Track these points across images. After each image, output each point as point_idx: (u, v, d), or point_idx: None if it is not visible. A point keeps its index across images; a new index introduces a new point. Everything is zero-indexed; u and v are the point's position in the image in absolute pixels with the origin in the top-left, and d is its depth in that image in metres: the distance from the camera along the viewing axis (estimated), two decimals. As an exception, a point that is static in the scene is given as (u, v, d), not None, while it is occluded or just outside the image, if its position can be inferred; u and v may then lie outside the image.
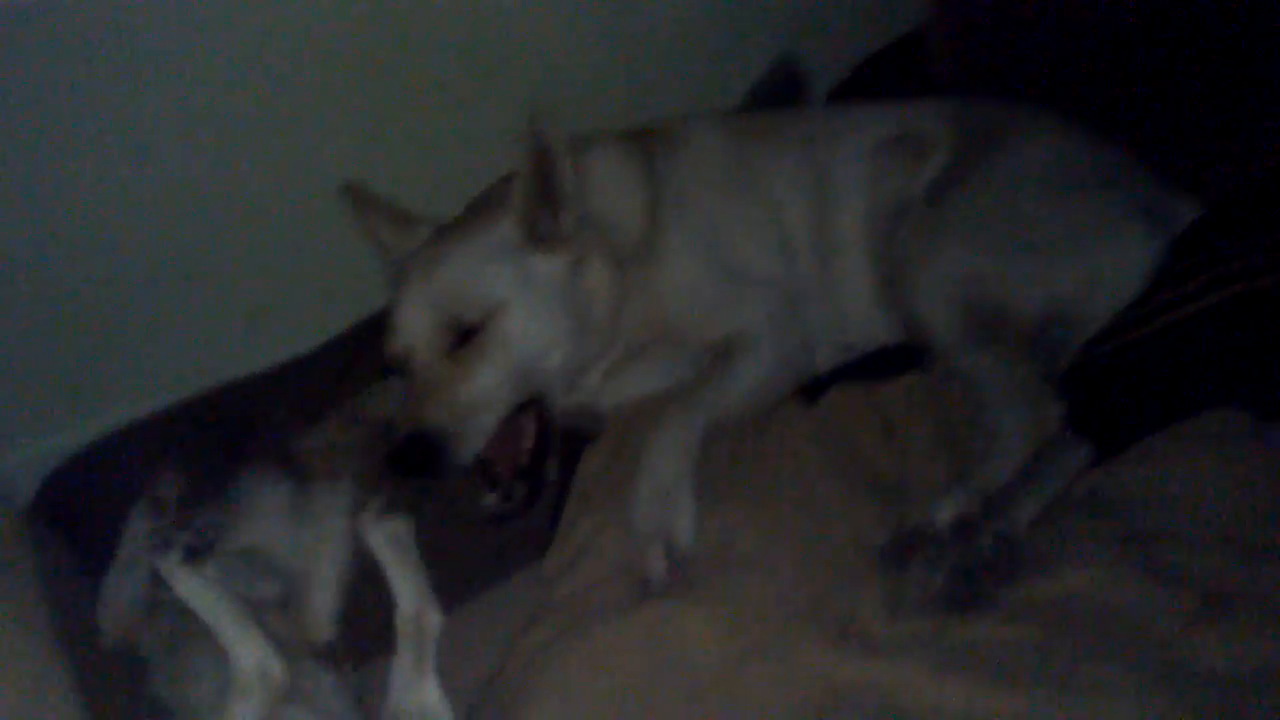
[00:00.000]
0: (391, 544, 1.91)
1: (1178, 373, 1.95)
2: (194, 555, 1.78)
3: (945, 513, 1.79)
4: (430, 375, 1.95)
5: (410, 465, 1.90)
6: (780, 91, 2.72)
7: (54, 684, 1.41)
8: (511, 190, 2.02)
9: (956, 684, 1.57)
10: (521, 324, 1.98)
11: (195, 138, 2.26)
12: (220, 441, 2.17)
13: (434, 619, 1.85)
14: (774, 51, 2.80)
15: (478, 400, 1.94)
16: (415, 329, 1.98)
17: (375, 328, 2.42)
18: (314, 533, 1.94)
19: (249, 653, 1.69)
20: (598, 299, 2.08)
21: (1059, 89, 2.50)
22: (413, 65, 2.41)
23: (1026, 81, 2.58)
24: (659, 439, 1.94)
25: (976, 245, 2.05)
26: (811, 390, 2.13)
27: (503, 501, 1.96)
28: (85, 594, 2.01)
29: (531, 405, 2.01)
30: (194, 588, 1.75)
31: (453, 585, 1.95)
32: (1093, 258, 2.03)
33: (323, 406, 2.21)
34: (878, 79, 2.78)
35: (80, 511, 2.17)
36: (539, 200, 2.00)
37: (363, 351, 2.41)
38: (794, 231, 2.23)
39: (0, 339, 2.26)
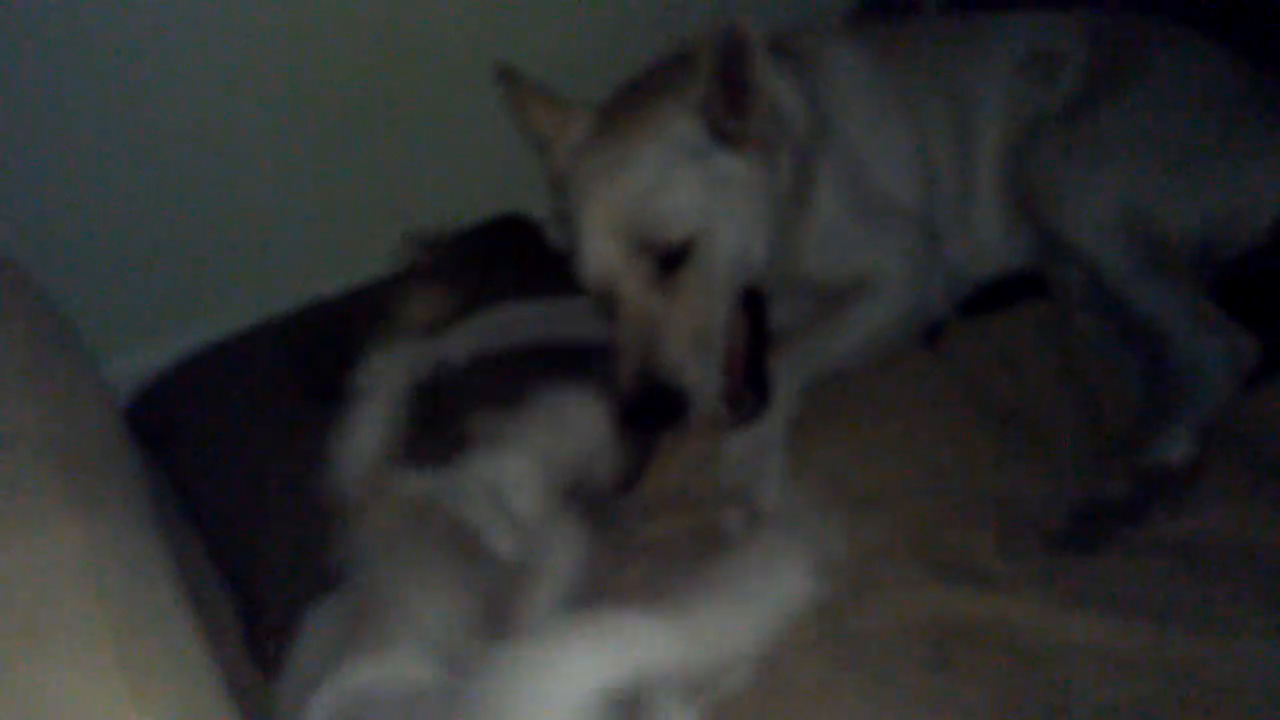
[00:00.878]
0: None
1: None
2: None
3: (1176, 451, 1.75)
4: (645, 313, 1.80)
5: (653, 419, 1.79)
6: (895, 3, 2.63)
7: (180, 608, 1.40)
8: (687, 84, 1.84)
9: (1079, 619, 1.57)
10: (730, 240, 1.83)
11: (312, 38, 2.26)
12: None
13: None
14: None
15: (708, 336, 1.81)
16: (613, 259, 1.81)
17: (475, 240, 2.46)
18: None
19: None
20: (786, 191, 1.95)
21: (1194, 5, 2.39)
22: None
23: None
24: None
25: (1131, 167, 1.99)
26: (929, 332, 2.10)
27: (734, 414, 1.84)
28: (177, 502, 2.07)
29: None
30: None
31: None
32: (1247, 173, 1.99)
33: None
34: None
35: (172, 426, 2.20)
36: (725, 96, 1.82)
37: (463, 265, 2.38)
38: (939, 159, 2.16)
39: (100, 250, 2.28)
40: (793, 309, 2.06)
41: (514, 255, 2.44)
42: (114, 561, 1.30)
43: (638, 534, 1.83)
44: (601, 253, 1.82)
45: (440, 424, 1.98)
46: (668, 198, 1.81)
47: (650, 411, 1.77)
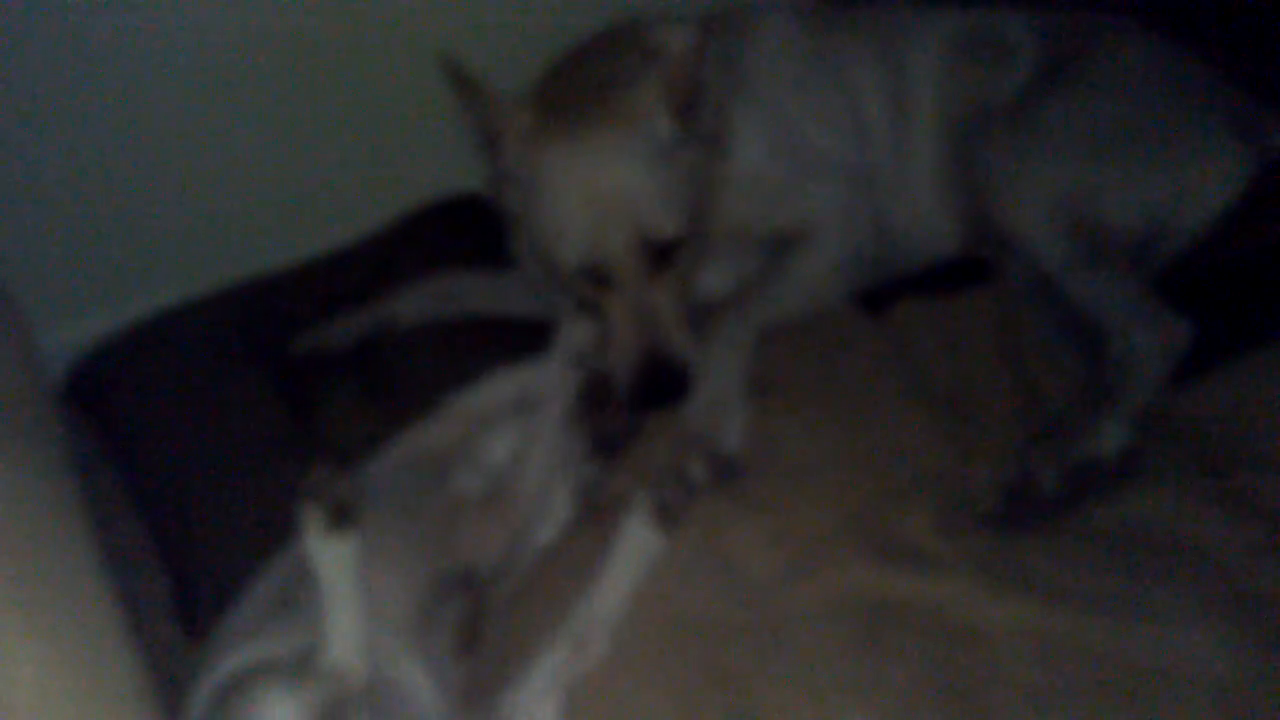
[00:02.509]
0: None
1: (1268, 292, 1.97)
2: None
3: (1109, 443, 1.79)
4: (644, 300, 1.91)
5: (663, 397, 1.90)
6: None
7: (88, 568, 1.41)
8: (645, 80, 1.92)
9: (1008, 601, 1.60)
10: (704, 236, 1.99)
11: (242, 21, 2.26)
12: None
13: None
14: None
15: (686, 317, 1.95)
16: (611, 249, 1.88)
17: (414, 223, 2.52)
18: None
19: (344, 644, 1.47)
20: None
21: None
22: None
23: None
24: (713, 343, 1.95)
25: (1073, 158, 2.04)
26: (876, 302, 2.14)
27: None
28: (112, 479, 2.07)
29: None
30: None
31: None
32: (1188, 168, 2.03)
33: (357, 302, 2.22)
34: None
35: (110, 397, 2.21)
36: (684, 96, 1.91)
37: (402, 246, 2.44)
38: (871, 119, 2.22)
39: (38, 222, 2.28)
40: (738, 269, 2.13)
41: (466, 234, 2.47)
42: (18, 518, 1.30)
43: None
44: (598, 242, 1.88)
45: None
46: (662, 195, 1.89)
47: (660, 390, 1.90)
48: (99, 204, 2.31)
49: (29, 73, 2.14)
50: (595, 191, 1.87)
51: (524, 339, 2.07)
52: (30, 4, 2.07)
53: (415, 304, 2.25)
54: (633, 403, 1.90)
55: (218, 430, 2.08)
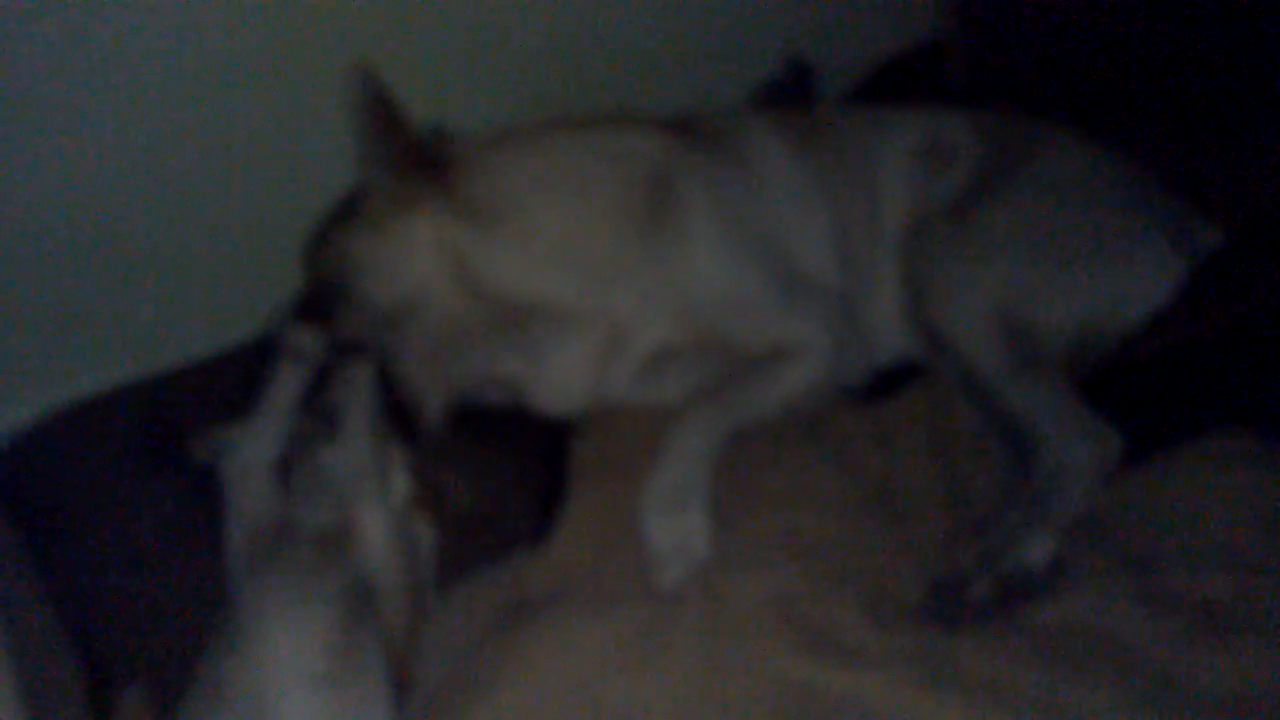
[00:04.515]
0: None
1: (1187, 390, 2.02)
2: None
3: (1038, 553, 1.80)
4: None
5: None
6: (789, 91, 2.75)
7: None
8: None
9: (937, 696, 1.60)
10: None
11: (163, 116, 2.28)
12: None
13: None
14: (782, 51, 2.84)
15: None
16: None
17: None
18: None
19: None
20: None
21: (1076, 102, 2.57)
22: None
23: (1043, 94, 2.65)
24: (681, 440, 1.96)
25: (1007, 263, 2.09)
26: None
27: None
28: (28, 572, 2.04)
29: None
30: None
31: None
32: (1122, 273, 2.09)
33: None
34: (893, 86, 2.83)
35: (32, 484, 2.18)
36: None
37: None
38: (854, 236, 2.25)
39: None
40: (701, 375, 2.14)
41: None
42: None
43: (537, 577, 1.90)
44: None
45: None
46: None
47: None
48: (21, 285, 2.31)
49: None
50: None
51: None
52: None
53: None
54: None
55: (134, 521, 2.06)
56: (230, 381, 2.31)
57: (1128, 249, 2.11)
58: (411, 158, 2.01)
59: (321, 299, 2.05)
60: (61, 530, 2.09)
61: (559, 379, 2.11)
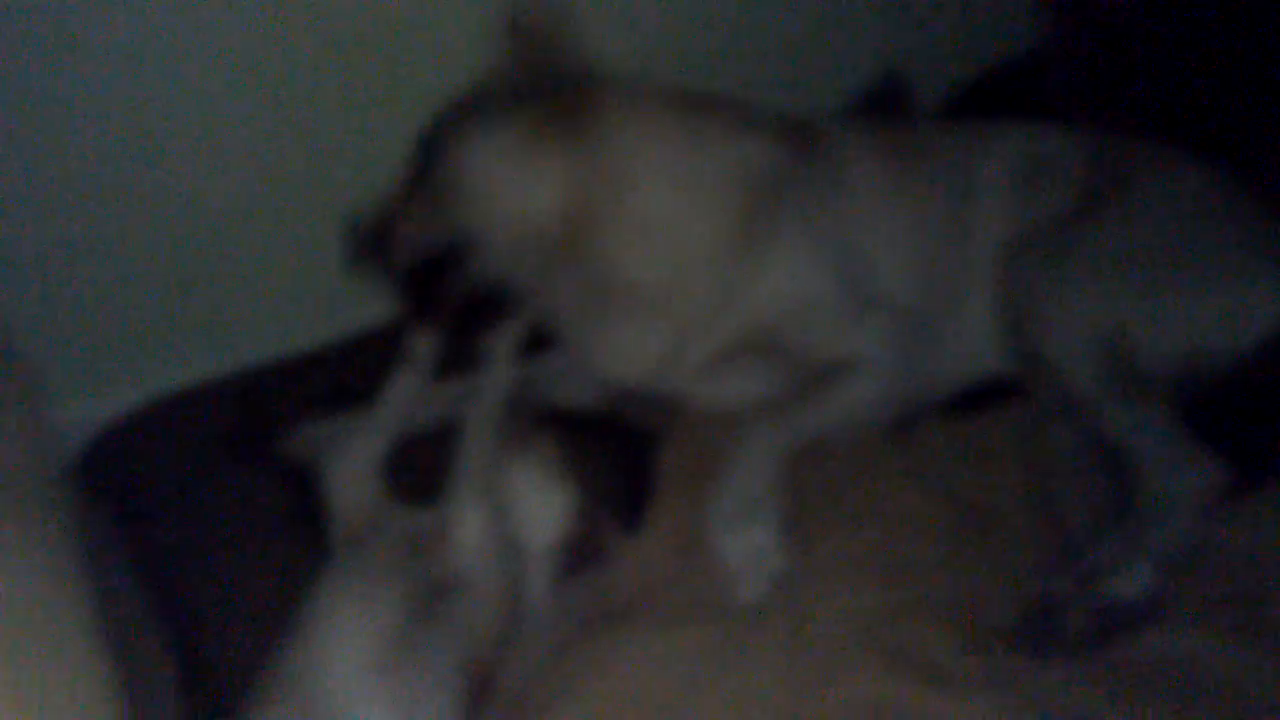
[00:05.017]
0: None
1: None
2: None
3: (1136, 585, 1.77)
4: None
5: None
6: (885, 103, 2.72)
7: (86, 652, 1.43)
8: None
9: None
10: None
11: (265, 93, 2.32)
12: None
13: None
14: (879, 61, 2.82)
15: None
16: None
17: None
18: None
19: None
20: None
21: (1185, 120, 2.51)
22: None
23: (1149, 111, 2.59)
24: (743, 454, 1.95)
25: (1113, 291, 2.04)
26: (899, 421, 2.14)
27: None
28: (122, 556, 2.09)
29: None
30: None
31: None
32: (1230, 299, 2.03)
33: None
34: (991, 99, 2.78)
35: (127, 474, 2.23)
36: None
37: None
38: (943, 252, 2.22)
39: (60, 296, 2.33)
40: (767, 382, 2.12)
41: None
42: (14, 596, 1.31)
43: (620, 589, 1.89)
44: None
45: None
46: None
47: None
48: (123, 278, 2.37)
49: (66, 151, 2.21)
50: None
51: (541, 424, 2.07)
52: (67, 77, 2.14)
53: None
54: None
55: (226, 512, 2.10)
56: (321, 378, 2.37)
57: (1237, 274, 2.05)
58: (567, 90, 2.03)
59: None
60: (152, 520, 2.14)
61: (624, 348, 2.12)
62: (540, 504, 1.85)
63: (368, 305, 2.48)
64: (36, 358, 1.98)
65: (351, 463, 1.93)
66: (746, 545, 1.85)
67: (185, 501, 2.14)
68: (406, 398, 2.05)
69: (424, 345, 2.12)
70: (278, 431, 2.21)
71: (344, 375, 2.37)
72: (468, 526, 1.75)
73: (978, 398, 2.21)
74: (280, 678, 1.59)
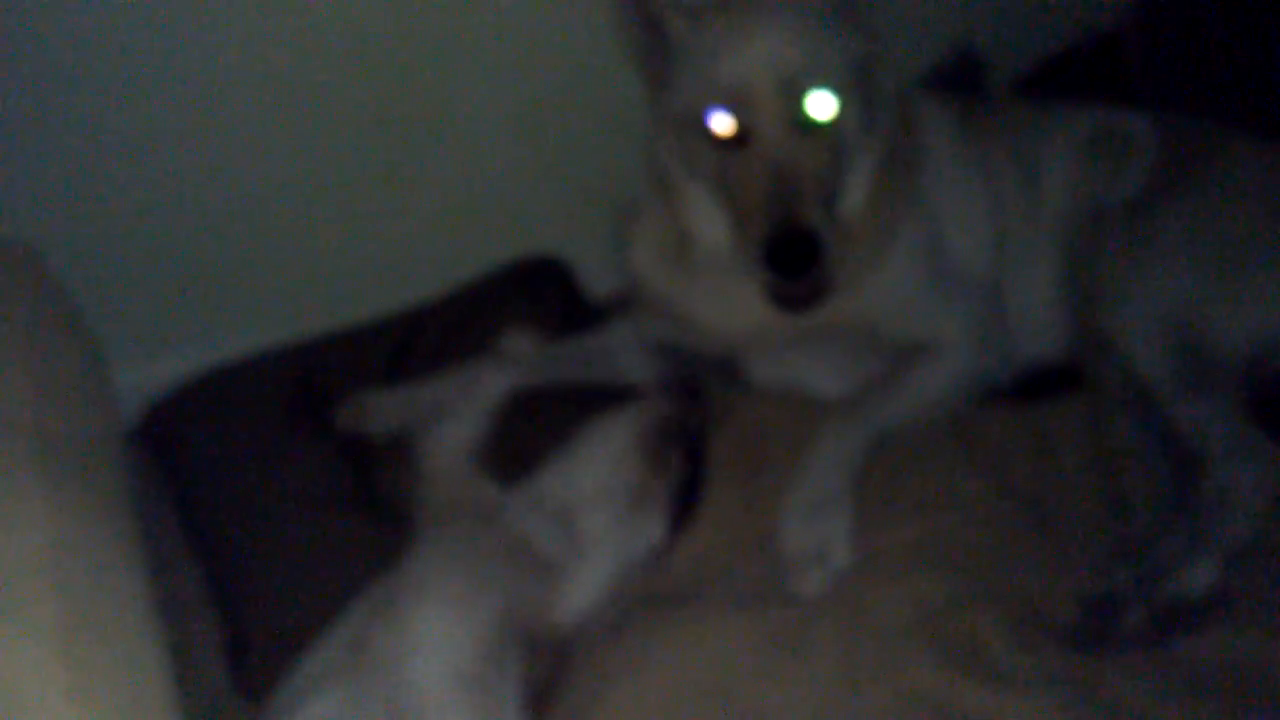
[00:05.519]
0: None
1: None
2: None
3: (1200, 581, 1.73)
4: (785, 153, 1.84)
5: (793, 263, 1.81)
6: (959, 78, 2.68)
7: (141, 617, 1.44)
8: None
9: None
10: (860, 119, 1.93)
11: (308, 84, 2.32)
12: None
13: None
14: (953, 39, 2.77)
15: (848, 177, 1.95)
16: (764, 91, 1.83)
17: (491, 285, 2.53)
18: None
19: None
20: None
21: (1263, 108, 2.45)
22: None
23: (1227, 97, 2.54)
24: (825, 446, 1.93)
25: (1187, 273, 2.01)
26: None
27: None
28: (176, 523, 2.12)
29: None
30: None
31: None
32: None
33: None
34: (1065, 80, 2.72)
35: (183, 441, 2.25)
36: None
37: (478, 306, 2.47)
38: (1013, 226, 2.20)
39: (119, 262, 2.34)
40: (855, 369, 2.11)
41: (539, 299, 2.50)
42: (76, 562, 1.32)
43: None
44: (755, 81, 1.84)
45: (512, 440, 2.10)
46: (834, 49, 1.87)
47: (790, 251, 1.80)
48: (183, 245, 2.38)
49: (122, 126, 2.21)
50: (774, 35, 1.85)
51: (590, 401, 2.11)
52: (136, 45, 2.15)
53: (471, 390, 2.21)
54: (767, 263, 1.81)
55: (280, 483, 2.10)
56: (378, 350, 2.38)
57: None
58: None
59: None
60: (207, 488, 2.15)
61: (725, 315, 2.10)
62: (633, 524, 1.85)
63: (423, 279, 2.52)
64: (97, 322, 1.99)
65: (442, 450, 1.96)
66: (814, 539, 1.83)
67: (240, 470, 2.15)
68: (496, 391, 2.09)
69: (523, 344, 2.17)
70: (334, 402, 2.22)
71: (401, 347, 2.39)
72: (583, 587, 1.75)
73: (1038, 387, 2.18)
74: (362, 653, 1.57)
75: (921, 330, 2.10)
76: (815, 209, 1.83)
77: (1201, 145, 2.18)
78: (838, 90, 1.85)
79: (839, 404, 2.03)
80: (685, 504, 1.90)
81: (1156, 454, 1.98)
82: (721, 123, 1.86)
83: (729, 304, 2.08)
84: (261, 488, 2.10)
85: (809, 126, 1.85)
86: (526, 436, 2.09)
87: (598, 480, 1.85)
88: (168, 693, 1.37)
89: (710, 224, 2.02)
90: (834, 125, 1.87)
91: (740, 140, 1.86)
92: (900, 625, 1.70)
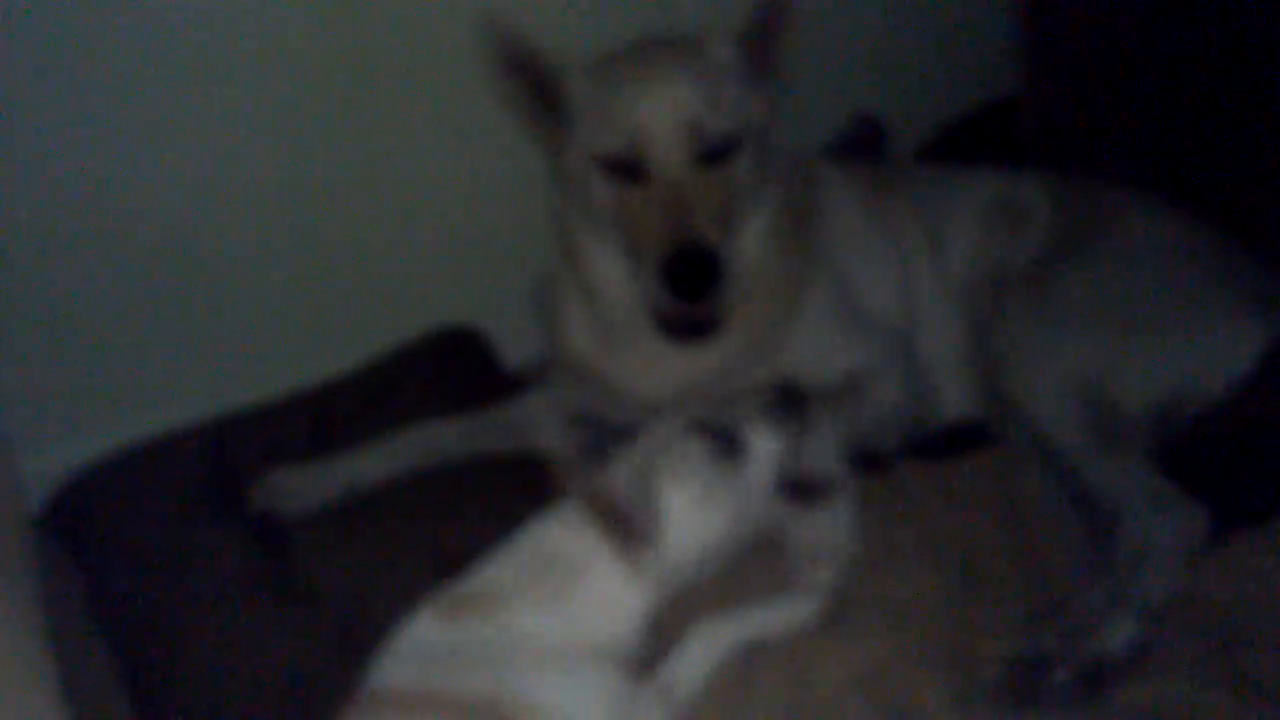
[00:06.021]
0: None
1: (1275, 463, 1.97)
2: None
3: (1121, 638, 1.75)
4: (681, 184, 1.91)
5: (691, 281, 1.87)
6: (860, 147, 2.74)
7: (46, 706, 1.41)
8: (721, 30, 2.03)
9: None
10: (757, 160, 2.00)
11: (212, 143, 2.30)
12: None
13: None
14: (852, 107, 2.84)
15: (743, 223, 2.01)
16: (659, 127, 1.92)
17: (408, 356, 2.53)
18: None
19: None
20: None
21: (1157, 166, 2.55)
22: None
23: (1122, 157, 2.62)
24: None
25: (1087, 335, 2.06)
26: (876, 462, 2.14)
27: None
28: (84, 609, 2.06)
29: None
30: None
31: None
32: (1205, 343, 2.05)
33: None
34: (964, 144, 2.80)
35: (91, 526, 2.19)
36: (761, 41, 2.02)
37: (394, 377, 2.47)
38: (919, 289, 2.27)
39: (20, 346, 2.28)
40: None
41: (455, 369, 2.50)
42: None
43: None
44: (655, 116, 1.91)
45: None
46: (732, 97, 1.96)
47: (688, 268, 1.86)
48: (86, 323, 2.33)
49: (15, 201, 2.17)
50: (653, 74, 1.94)
51: (506, 475, 2.16)
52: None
53: (383, 461, 2.21)
54: (667, 281, 1.87)
55: (192, 569, 2.06)
56: (291, 426, 2.36)
57: (1210, 319, 2.07)
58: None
59: None
60: (115, 575, 2.10)
61: (652, 380, 2.12)
62: None
63: (337, 353, 2.50)
64: (2, 406, 1.94)
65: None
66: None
67: (150, 556, 2.10)
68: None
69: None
70: (248, 480, 2.18)
71: (317, 422, 2.36)
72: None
73: (950, 444, 2.22)
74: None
75: (841, 363, 2.14)
76: (714, 230, 1.89)
77: (1094, 207, 2.26)
78: (733, 134, 1.94)
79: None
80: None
81: (1069, 510, 2.02)
82: (622, 161, 1.93)
83: (655, 368, 2.10)
84: (173, 574, 2.05)
85: (706, 164, 1.93)
86: (446, 508, 2.10)
87: None
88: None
89: (613, 276, 2.06)
90: (730, 168, 1.95)
91: (640, 178, 1.92)
92: (843, 683, 1.71)
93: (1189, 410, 2.04)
